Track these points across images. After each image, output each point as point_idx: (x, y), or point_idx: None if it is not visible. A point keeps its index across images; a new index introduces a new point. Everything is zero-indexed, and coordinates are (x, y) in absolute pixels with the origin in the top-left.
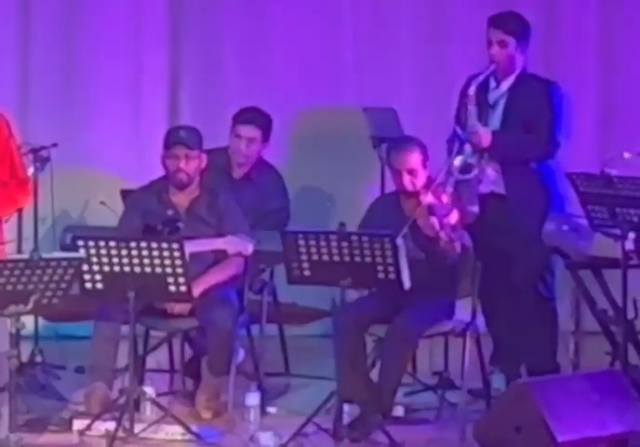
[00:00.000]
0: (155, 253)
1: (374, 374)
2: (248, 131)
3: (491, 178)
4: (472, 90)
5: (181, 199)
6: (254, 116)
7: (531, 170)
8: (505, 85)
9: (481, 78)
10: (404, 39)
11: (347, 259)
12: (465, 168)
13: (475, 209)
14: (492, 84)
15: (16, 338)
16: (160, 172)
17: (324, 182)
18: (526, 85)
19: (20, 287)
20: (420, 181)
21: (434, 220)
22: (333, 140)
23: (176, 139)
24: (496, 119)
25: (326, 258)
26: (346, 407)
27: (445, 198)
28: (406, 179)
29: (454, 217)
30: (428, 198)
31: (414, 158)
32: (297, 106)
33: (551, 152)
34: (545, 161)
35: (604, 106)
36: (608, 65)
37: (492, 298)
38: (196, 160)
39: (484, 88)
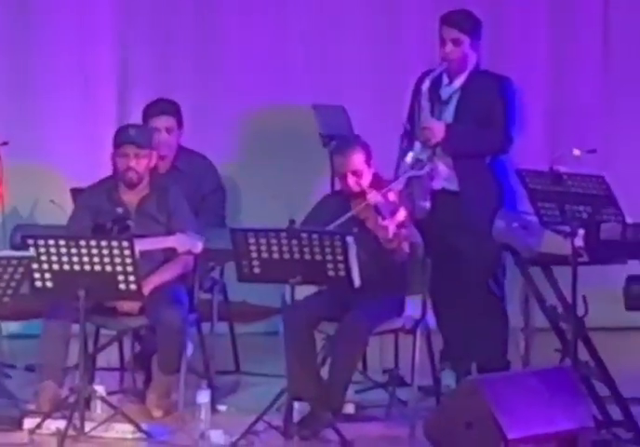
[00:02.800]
0: (105, 252)
1: (324, 372)
2: (164, 122)
3: (443, 174)
4: (425, 86)
5: (131, 198)
6: (164, 107)
7: (484, 166)
8: (458, 81)
9: (434, 75)
10: (353, 36)
11: (297, 256)
12: (417, 164)
13: (427, 205)
14: (445, 80)
15: None
16: (110, 171)
17: (274, 179)
18: (480, 81)
19: None
20: (366, 180)
21: (381, 219)
22: (283, 137)
23: (126, 137)
24: (449, 115)
25: (276, 256)
26: (296, 405)
27: (392, 197)
28: (351, 180)
29: (401, 215)
30: (373, 197)
31: (357, 159)
32: (246, 104)
33: (505, 147)
34: (499, 156)
35: (553, 103)
36: (558, 62)
37: (443, 295)
38: (146, 159)
39: (437, 84)
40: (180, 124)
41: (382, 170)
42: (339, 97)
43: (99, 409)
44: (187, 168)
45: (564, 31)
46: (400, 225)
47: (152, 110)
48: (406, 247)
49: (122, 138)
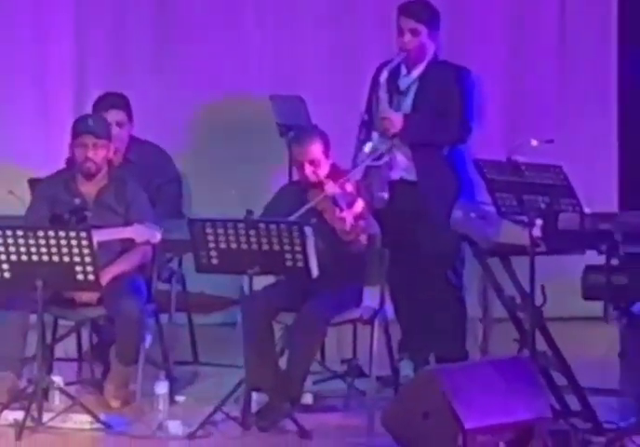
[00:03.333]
0: (63, 242)
1: (282, 362)
2: (114, 116)
3: (401, 164)
4: (383, 77)
5: (89, 188)
6: (114, 100)
7: (442, 156)
8: (416, 72)
9: (392, 65)
10: (311, 26)
11: (255, 247)
12: (375, 154)
13: (385, 195)
14: (403, 71)
15: None
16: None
17: (231, 169)
18: (438, 71)
19: None
20: (323, 170)
21: (339, 211)
22: (240, 128)
23: (84, 128)
24: (407, 105)
25: (233, 246)
26: (254, 395)
27: (349, 187)
28: (309, 169)
29: (359, 206)
30: (331, 188)
31: (315, 149)
32: (204, 95)
33: (463, 136)
34: (457, 146)
35: (511, 93)
36: (516, 53)
37: (401, 285)
38: (104, 149)
39: (395, 74)
40: (130, 117)
41: (340, 161)
42: (296, 87)
43: (57, 400)
44: (140, 159)
45: (521, 21)
46: (358, 217)
47: (101, 104)
48: (363, 238)
49: (80, 128)
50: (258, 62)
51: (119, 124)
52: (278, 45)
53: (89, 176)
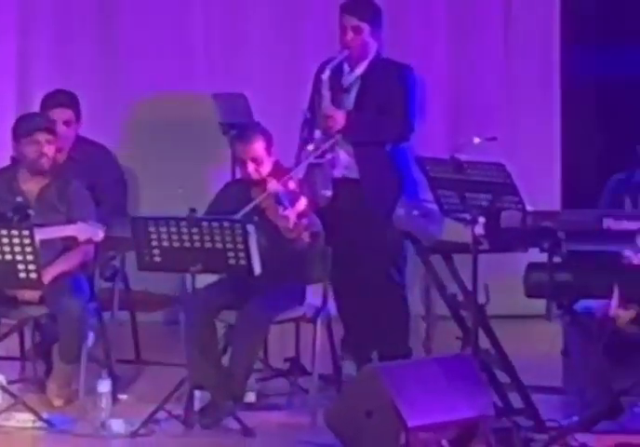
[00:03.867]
0: (5, 240)
1: (225, 361)
2: (62, 114)
3: (344, 162)
4: (325, 75)
5: (31, 187)
6: (62, 99)
7: (385, 154)
8: (359, 69)
9: (335, 63)
10: (254, 24)
11: (198, 245)
12: (318, 152)
13: (328, 193)
14: (346, 69)
15: None
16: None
17: (174, 167)
18: (380, 69)
19: None
20: (266, 168)
21: (282, 209)
22: (183, 125)
23: (36, 125)
24: (350, 103)
25: (176, 244)
26: (197, 393)
27: (292, 185)
28: (251, 167)
29: (302, 204)
30: (274, 186)
31: (257, 146)
32: (146, 92)
33: (405, 134)
34: (400, 144)
35: (454, 91)
36: (459, 51)
37: (344, 283)
38: (54, 145)
39: (337, 72)
40: (77, 116)
41: (283, 159)
42: (239, 85)
43: None
44: (85, 158)
45: (465, 18)
46: (301, 215)
47: (49, 101)
48: (306, 236)
49: (31, 126)
50: (201, 60)
51: (66, 122)
52: (222, 43)
53: (43, 172)
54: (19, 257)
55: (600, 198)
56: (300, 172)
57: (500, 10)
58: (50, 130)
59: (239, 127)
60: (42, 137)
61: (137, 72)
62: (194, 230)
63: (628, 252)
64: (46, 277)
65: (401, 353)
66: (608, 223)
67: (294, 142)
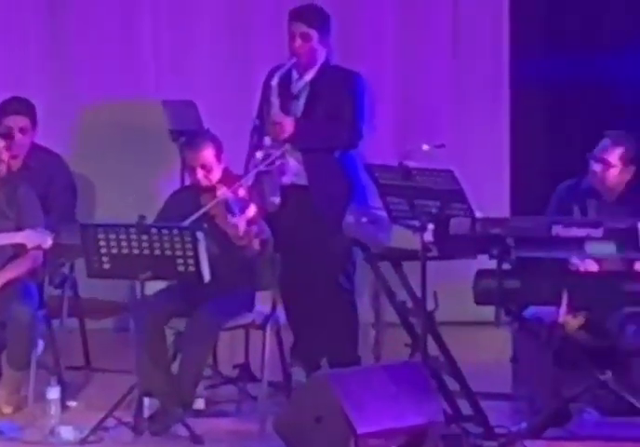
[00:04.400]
0: None
1: (175, 368)
2: (18, 122)
3: (293, 169)
4: (274, 82)
5: None
6: (18, 106)
7: (334, 161)
8: (308, 76)
9: (283, 70)
10: (203, 31)
11: (147, 252)
12: (267, 159)
13: (277, 200)
14: (295, 75)
15: None
16: None
17: (123, 174)
18: (329, 76)
19: None
20: (216, 175)
21: (231, 216)
22: (133, 133)
23: None
24: (299, 110)
25: (125, 251)
26: (146, 400)
27: (242, 192)
28: (201, 174)
29: (251, 212)
30: (224, 194)
31: (207, 153)
32: (96, 99)
33: (354, 141)
34: (348, 151)
35: (403, 98)
36: (407, 57)
37: (293, 290)
38: (9, 153)
39: (286, 79)
40: (34, 124)
41: (233, 166)
42: (189, 92)
43: None
44: (39, 165)
45: (413, 26)
46: (250, 222)
47: (6, 108)
48: (256, 244)
49: None
50: (150, 67)
51: (22, 130)
52: (171, 49)
53: None
54: None
55: (548, 205)
56: (249, 180)
57: (448, 16)
58: (6, 137)
59: (188, 134)
60: (0, 144)
61: (86, 78)
62: (144, 237)
63: (575, 259)
64: None
65: (350, 360)
66: (557, 230)
67: (243, 149)
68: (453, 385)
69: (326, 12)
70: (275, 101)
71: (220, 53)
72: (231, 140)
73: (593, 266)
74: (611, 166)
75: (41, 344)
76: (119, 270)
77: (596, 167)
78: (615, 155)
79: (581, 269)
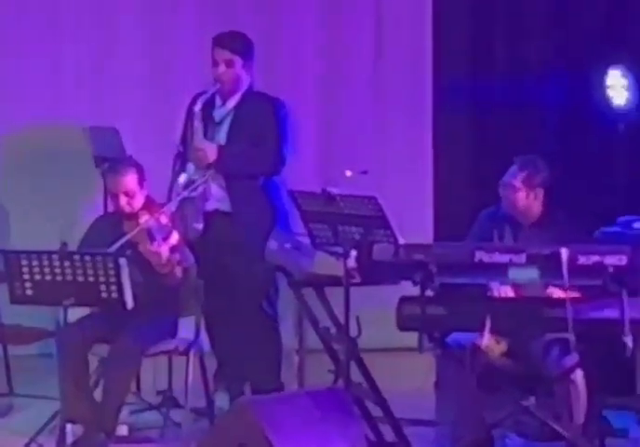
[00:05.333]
0: None
1: (98, 394)
2: None
3: (216, 196)
4: (197, 108)
5: None
6: None
7: (257, 187)
8: (231, 102)
9: (207, 96)
10: (127, 57)
11: (70, 278)
12: (190, 185)
13: (200, 226)
14: (218, 102)
15: None
16: None
17: (46, 200)
18: (252, 102)
19: None
20: (138, 202)
21: (154, 244)
22: (56, 158)
23: None
24: (222, 136)
25: (48, 277)
26: (69, 427)
27: (164, 219)
28: (124, 201)
29: (174, 239)
30: (146, 220)
31: (129, 180)
32: (18, 124)
33: (277, 167)
34: (272, 177)
35: (326, 125)
36: (330, 84)
37: (216, 316)
38: None
39: (210, 105)
40: None
41: (156, 192)
42: (111, 118)
43: None
44: None
45: (336, 52)
46: (173, 249)
47: None
48: (178, 271)
49: None
50: (73, 93)
51: None
52: (94, 75)
53: None
54: None
55: (470, 232)
56: (172, 206)
57: (370, 41)
58: None
59: (111, 160)
60: None
61: (9, 103)
62: (67, 263)
63: (494, 285)
64: None
65: (273, 386)
66: (480, 256)
67: (167, 175)
68: (376, 411)
69: (250, 39)
70: (198, 127)
71: (144, 79)
72: (154, 166)
73: (509, 292)
74: (516, 190)
75: None
76: (42, 296)
77: (503, 192)
78: (519, 180)
79: (502, 295)
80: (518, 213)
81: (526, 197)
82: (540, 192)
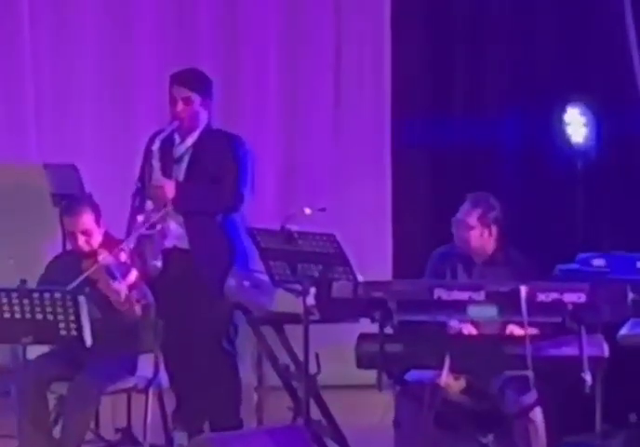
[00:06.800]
0: None
1: (57, 432)
2: None
3: (175, 233)
4: (155, 146)
5: None
6: None
7: (216, 224)
8: (190, 140)
9: (165, 134)
10: (85, 95)
11: (29, 316)
12: (149, 223)
13: (159, 263)
14: (177, 139)
15: None
16: None
17: (4, 238)
18: (211, 139)
19: None
20: (96, 240)
21: (113, 281)
22: (14, 196)
23: None
24: (181, 174)
25: (7, 315)
26: None
27: (123, 257)
28: (81, 239)
29: (133, 276)
30: (105, 258)
31: (86, 219)
32: None
33: (235, 205)
34: (231, 214)
35: (285, 162)
36: (288, 121)
37: (175, 353)
38: None
39: (168, 143)
40: None
41: (114, 230)
42: (70, 155)
43: None
44: None
45: (295, 89)
46: (132, 287)
47: None
48: (137, 308)
49: None
50: (32, 131)
51: None
52: (52, 114)
53: None
54: None
55: (425, 270)
56: (130, 243)
57: (330, 80)
58: None
59: (68, 198)
60: None
61: None
62: (25, 301)
63: (453, 322)
64: None
65: (232, 424)
66: (439, 294)
67: (125, 212)
68: None
69: (208, 76)
70: (157, 164)
71: (103, 117)
72: (113, 203)
73: (471, 330)
74: (470, 228)
75: None
76: (1, 334)
77: (457, 230)
78: (473, 217)
79: (462, 332)
80: (472, 251)
81: (480, 235)
82: (495, 229)
